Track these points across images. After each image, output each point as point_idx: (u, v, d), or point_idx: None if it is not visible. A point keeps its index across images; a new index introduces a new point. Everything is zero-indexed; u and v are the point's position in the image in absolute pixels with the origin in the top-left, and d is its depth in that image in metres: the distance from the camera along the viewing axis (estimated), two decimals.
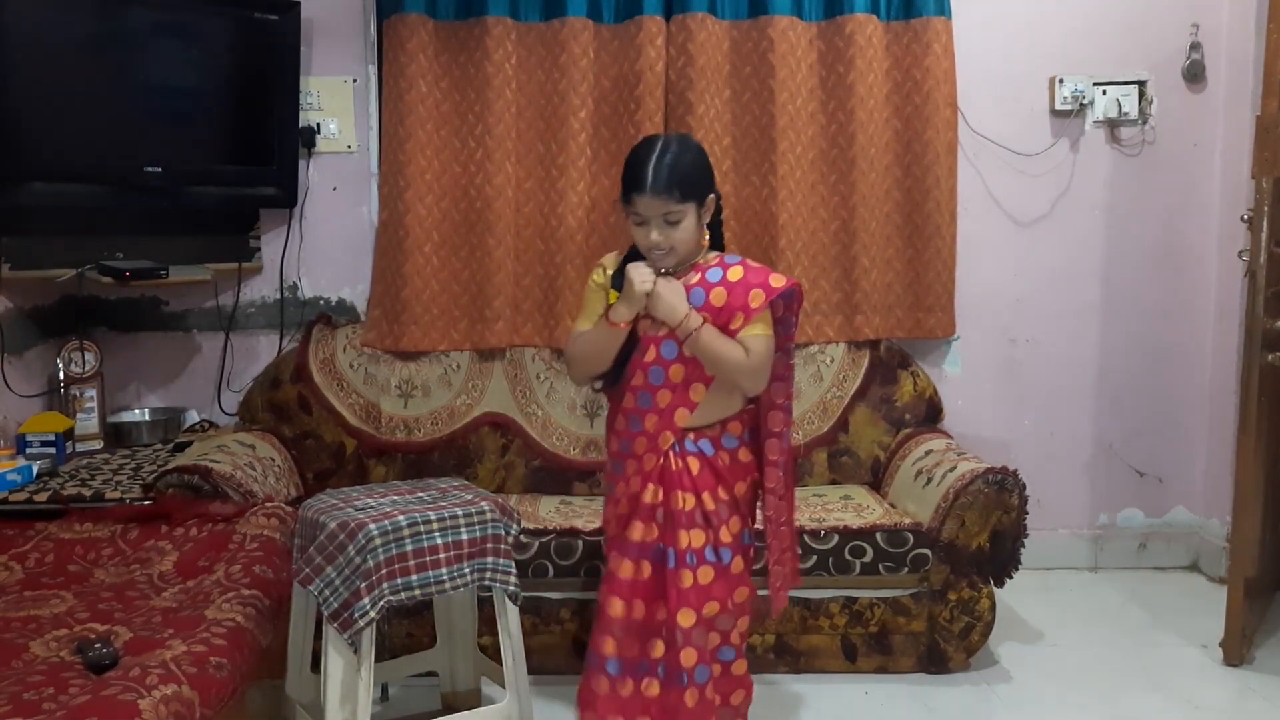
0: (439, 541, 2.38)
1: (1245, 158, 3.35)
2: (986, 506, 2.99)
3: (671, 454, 2.32)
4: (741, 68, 3.54)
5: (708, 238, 2.37)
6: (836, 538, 3.00)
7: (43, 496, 2.75)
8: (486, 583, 2.45)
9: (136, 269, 3.24)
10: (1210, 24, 3.71)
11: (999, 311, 3.81)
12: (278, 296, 3.60)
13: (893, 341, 3.67)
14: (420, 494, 2.54)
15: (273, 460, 3.22)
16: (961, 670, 3.07)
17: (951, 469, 3.11)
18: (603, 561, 2.95)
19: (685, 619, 2.26)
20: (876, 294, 3.62)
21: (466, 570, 2.42)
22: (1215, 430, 3.82)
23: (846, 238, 3.60)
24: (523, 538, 2.90)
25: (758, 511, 2.46)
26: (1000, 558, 3.03)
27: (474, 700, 2.79)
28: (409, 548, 2.35)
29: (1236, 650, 3.10)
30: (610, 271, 2.38)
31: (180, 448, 3.20)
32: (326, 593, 2.35)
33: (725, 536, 2.31)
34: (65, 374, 3.32)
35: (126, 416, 3.51)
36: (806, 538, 2.97)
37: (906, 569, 3.01)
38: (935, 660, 3.06)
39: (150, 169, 3.16)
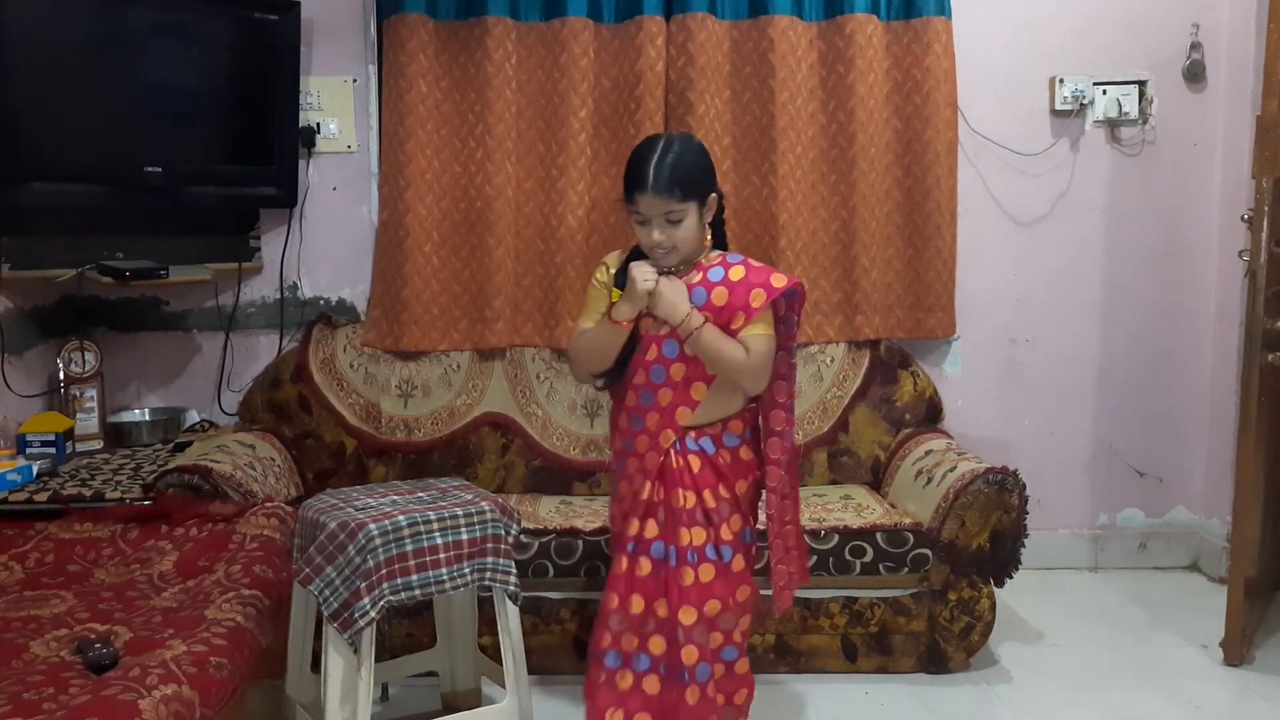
0: (439, 541, 2.38)
1: (1245, 158, 3.35)
2: (987, 506, 2.99)
3: (672, 452, 2.33)
4: (742, 68, 3.54)
5: (710, 237, 2.37)
6: (836, 538, 3.00)
7: (43, 496, 2.75)
8: (486, 583, 2.45)
9: (136, 269, 3.24)
10: (1210, 24, 3.71)
11: (999, 311, 3.81)
12: (278, 296, 3.60)
13: (893, 341, 3.67)
14: (420, 494, 2.54)
15: (273, 460, 3.21)
16: (961, 670, 3.07)
17: (952, 469, 3.11)
18: (602, 561, 2.97)
19: (686, 617, 2.27)
20: (877, 294, 3.62)
21: (466, 570, 2.42)
22: (1215, 430, 3.82)
23: (847, 237, 3.60)
24: (523, 538, 2.90)
25: (760, 511, 2.46)
26: (1000, 558, 3.03)
27: (474, 700, 2.79)
28: (409, 548, 2.35)
29: (1237, 650, 3.10)
30: (613, 270, 2.39)
31: (180, 448, 3.19)
32: (326, 593, 2.35)
33: (726, 534, 2.32)
34: (65, 374, 3.32)
35: (126, 416, 3.51)
36: (807, 537, 2.96)
37: (907, 569, 3.01)
38: (935, 660, 3.06)
39: (150, 169, 3.16)
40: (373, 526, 2.31)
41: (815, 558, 2.98)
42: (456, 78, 3.48)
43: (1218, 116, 3.76)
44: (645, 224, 2.28)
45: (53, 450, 3.04)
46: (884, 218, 3.62)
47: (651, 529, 2.32)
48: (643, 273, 2.26)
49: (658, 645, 2.30)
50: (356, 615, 2.29)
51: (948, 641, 3.05)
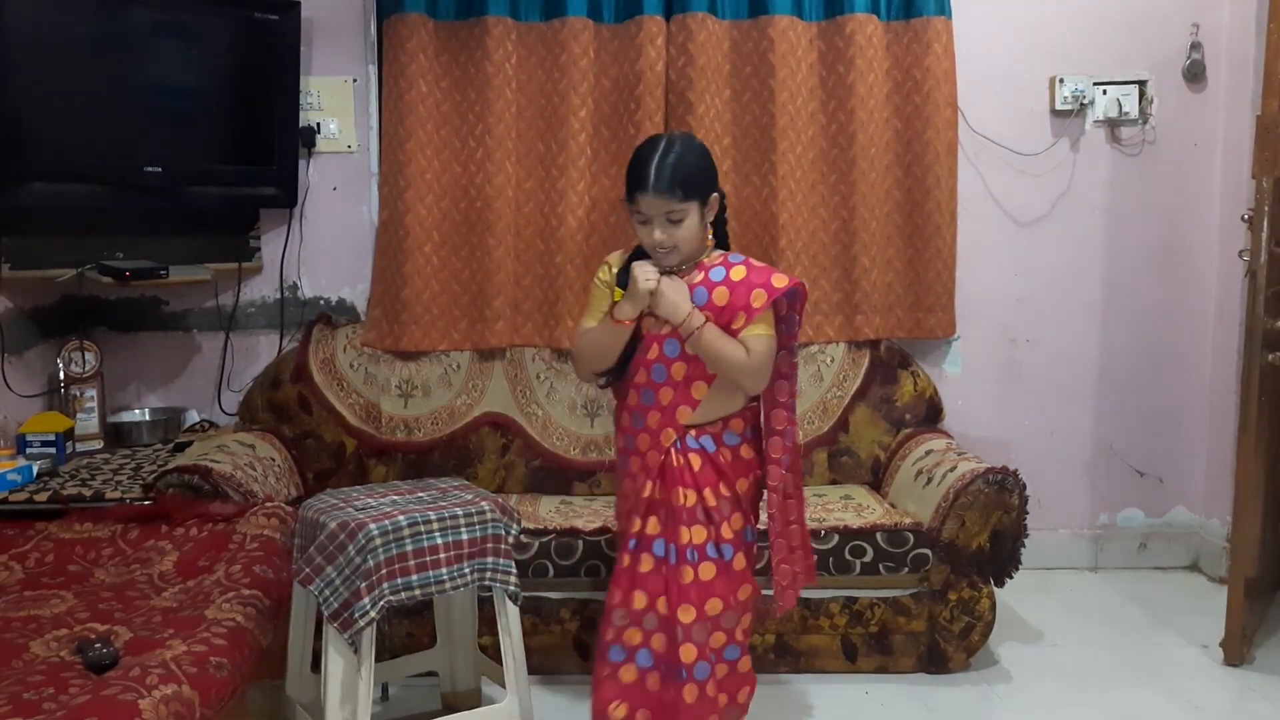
0: (439, 541, 2.38)
1: (1245, 157, 3.35)
2: (987, 506, 2.99)
3: (673, 450, 2.34)
4: (742, 67, 3.54)
5: (712, 237, 2.38)
6: (837, 538, 3.00)
7: (43, 496, 2.75)
8: (487, 583, 2.45)
9: (136, 269, 3.23)
10: (1210, 24, 3.71)
11: (999, 311, 3.81)
12: (278, 296, 3.60)
13: (893, 341, 3.67)
14: (420, 494, 2.54)
15: (273, 460, 3.21)
16: (962, 670, 3.07)
17: (952, 469, 3.11)
18: (602, 561, 2.98)
19: (685, 615, 2.27)
20: (877, 294, 3.62)
21: (467, 570, 2.42)
22: (1215, 430, 3.82)
23: (847, 237, 3.60)
24: (523, 538, 2.90)
25: (761, 510, 2.46)
26: (1000, 558, 3.03)
27: (474, 700, 2.79)
28: (409, 548, 2.35)
29: (1237, 650, 3.10)
30: (616, 269, 2.40)
31: (180, 448, 3.19)
32: (327, 593, 2.35)
33: (727, 533, 2.33)
34: (65, 374, 3.31)
35: (126, 416, 3.51)
36: None
37: (907, 569, 3.01)
38: (935, 660, 3.06)
39: (150, 169, 3.16)
40: (373, 526, 2.31)
41: (815, 557, 2.97)
42: (456, 78, 3.48)
43: (1218, 116, 3.76)
44: (647, 223, 2.29)
45: (53, 450, 3.04)
46: (884, 218, 3.62)
47: (653, 526, 2.33)
48: (645, 272, 2.28)
49: (659, 642, 2.31)
50: (356, 615, 2.29)
51: (948, 641, 3.05)
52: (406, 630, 2.98)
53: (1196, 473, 3.89)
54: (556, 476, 3.50)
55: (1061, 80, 3.71)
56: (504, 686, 2.54)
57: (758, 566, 2.50)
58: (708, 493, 2.32)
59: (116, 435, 3.38)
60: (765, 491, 2.43)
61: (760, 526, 2.45)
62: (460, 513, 2.42)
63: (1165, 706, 2.90)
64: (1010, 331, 3.83)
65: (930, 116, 3.57)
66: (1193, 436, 3.88)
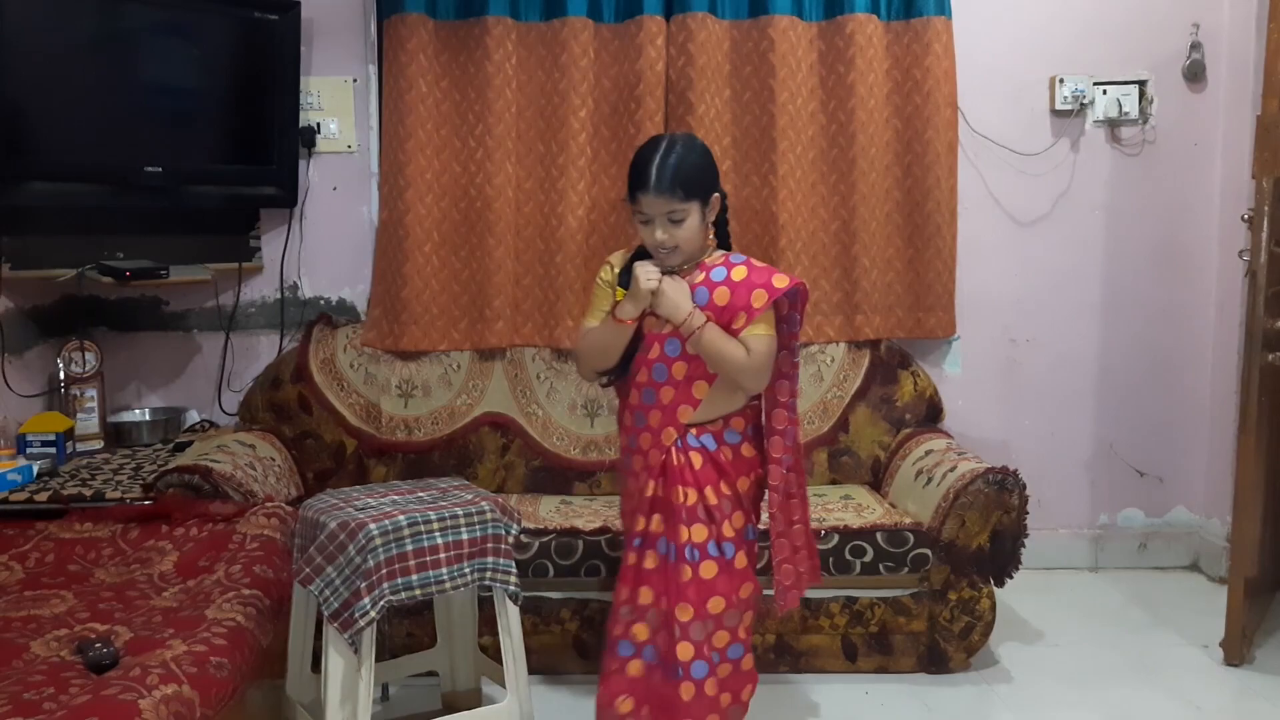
0: (439, 541, 2.38)
1: (1246, 157, 3.35)
2: (987, 506, 2.99)
3: (673, 449, 2.35)
4: (742, 67, 3.54)
5: (714, 236, 2.39)
6: (837, 537, 3.00)
7: (43, 496, 2.75)
8: (487, 583, 2.45)
9: (137, 269, 3.23)
10: (1211, 23, 3.71)
11: (999, 311, 3.81)
12: (278, 296, 3.60)
13: (893, 341, 3.67)
14: (420, 494, 2.54)
15: (273, 460, 3.21)
16: (962, 670, 3.07)
17: (952, 469, 3.11)
18: (602, 561, 2.98)
19: (683, 614, 2.28)
20: (877, 294, 3.62)
21: (467, 570, 2.42)
22: (1216, 430, 3.81)
23: (847, 237, 3.60)
24: (523, 537, 2.90)
25: (764, 510, 2.47)
26: (1001, 558, 3.03)
27: (474, 700, 2.79)
28: (409, 547, 2.35)
29: (1237, 650, 3.10)
30: (618, 269, 2.41)
31: (180, 448, 3.20)
32: (327, 593, 2.35)
33: (728, 531, 2.33)
34: (65, 374, 3.31)
35: (127, 416, 3.51)
36: None
37: (907, 569, 3.01)
38: (936, 660, 3.06)
39: (150, 169, 3.16)
40: (373, 526, 2.31)
41: (819, 558, 2.98)
42: (456, 77, 3.48)
43: (1218, 116, 3.76)
44: (648, 223, 2.30)
45: (53, 450, 3.04)
46: (884, 217, 3.62)
47: (657, 525, 2.35)
48: (646, 272, 2.29)
49: (663, 640, 2.32)
50: (357, 615, 2.28)
51: (948, 641, 3.05)
52: (406, 630, 2.98)
53: (1197, 472, 3.89)
54: (556, 476, 3.50)
55: (1061, 80, 3.71)
56: (504, 686, 2.54)
57: (758, 566, 2.50)
58: (708, 491, 2.33)
59: (117, 435, 3.38)
60: (767, 490, 2.43)
61: (762, 526, 2.45)
62: (460, 513, 2.42)
63: (1165, 706, 2.90)
64: (1010, 331, 3.83)
65: (930, 116, 3.57)
66: (1193, 436, 3.88)
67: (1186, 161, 3.78)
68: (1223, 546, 3.62)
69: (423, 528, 2.37)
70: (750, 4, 3.52)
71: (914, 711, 2.89)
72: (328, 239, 3.59)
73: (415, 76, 3.42)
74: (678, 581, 2.29)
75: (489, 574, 2.45)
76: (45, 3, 2.92)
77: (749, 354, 2.29)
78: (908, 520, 3.09)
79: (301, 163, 3.53)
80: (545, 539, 3.00)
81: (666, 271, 2.33)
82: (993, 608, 3.06)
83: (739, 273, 2.34)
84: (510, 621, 2.51)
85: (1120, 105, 3.71)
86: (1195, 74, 3.73)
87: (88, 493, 2.78)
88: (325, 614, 2.36)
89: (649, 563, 2.33)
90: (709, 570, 2.31)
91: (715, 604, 2.30)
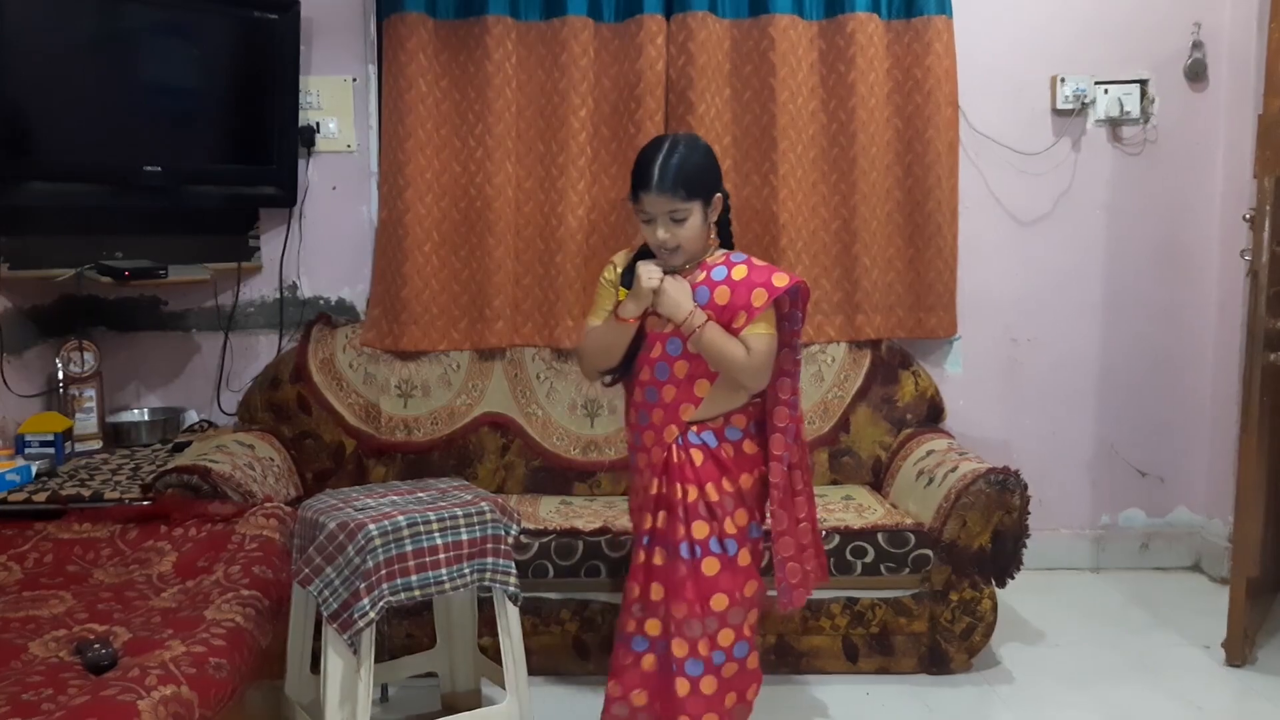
0: (439, 542, 2.38)
1: (1247, 157, 3.35)
2: (988, 507, 2.98)
3: (674, 447, 2.35)
4: (742, 67, 3.53)
5: (716, 236, 2.40)
6: (838, 538, 2.99)
7: (42, 496, 2.75)
8: (486, 583, 2.45)
9: (136, 269, 3.23)
10: (1212, 23, 3.71)
11: (1000, 311, 3.80)
12: (277, 296, 3.60)
13: (894, 341, 3.66)
14: (420, 494, 2.54)
15: (272, 460, 3.21)
16: (963, 671, 3.07)
17: (953, 469, 3.10)
18: (602, 561, 2.98)
19: (678, 610, 2.30)
20: (878, 293, 3.61)
21: (466, 570, 2.41)
22: (1217, 430, 3.81)
23: (847, 237, 3.60)
24: (523, 538, 2.90)
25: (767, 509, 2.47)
26: (1002, 558, 3.02)
27: (474, 701, 2.79)
28: (409, 548, 2.34)
29: (1238, 651, 3.10)
30: (620, 269, 2.42)
31: (179, 448, 3.19)
32: (326, 593, 2.34)
33: (730, 528, 2.33)
34: (64, 374, 3.31)
35: (126, 416, 3.50)
36: None
37: (908, 569, 3.00)
38: (937, 661, 3.05)
39: (150, 168, 3.15)
40: (372, 527, 2.31)
41: (826, 556, 2.97)
42: (456, 77, 3.48)
43: (1219, 116, 3.75)
44: (650, 223, 2.31)
45: (52, 450, 3.04)
46: (885, 217, 3.61)
47: (663, 522, 2.36)
48: (648, 271, 2.30)
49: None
50: (356, 616, 2.28)
51: (949, 642, 3.04)
52: (406, 631, 2.97)
53: (1198, 472, 3.88)
54: (556, 477, 3.50)
55: (1063, 79, 3.70)
56: (504, 687, 2.54)
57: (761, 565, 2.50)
58: (710, 488, 2.33)
59: (115, 435, 3.38)
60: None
61: (765, 525, 2.45)
62: (460, 513, 2.42)
63: (1166, 707, 2.89)
64: (1011, 331, 3.82)
65: (931, 116, 3.56)
66: (1194, 436, 3.87)
67: (1188, 161, 3.77)
68: (1224, 547, 3.61)
69: (422, 528, 2.36)
70: (751, 3, 3.52)
71: (915, 712, 2.89)
72: (327, 239, 3.59)
73: (415, 76, 3.42)
74: (674, 578, 2.31)
75: (489, 575, 2.44)
76: (45, 3, 2.92)
77: (749, 353, 2.29)
78: (909, 521, 3.09)
79: (301, 162, 3.52)
80: (545, 539, 2.99)
81: (668, 271, 2.33)
82: (994, 608, 3.05)
83: (739, 272, 2.34)
84: (510, 622, 2.50)
85: (1121, 105, 3.70)
86: (1196, 73, 3.72)
87: (86, 493, 2.77)
88: (324, 615, 2.35)
89: (659, 559, 2.35)
90: (711, 567, 2.31)
91: (719, 601, 2.30)
